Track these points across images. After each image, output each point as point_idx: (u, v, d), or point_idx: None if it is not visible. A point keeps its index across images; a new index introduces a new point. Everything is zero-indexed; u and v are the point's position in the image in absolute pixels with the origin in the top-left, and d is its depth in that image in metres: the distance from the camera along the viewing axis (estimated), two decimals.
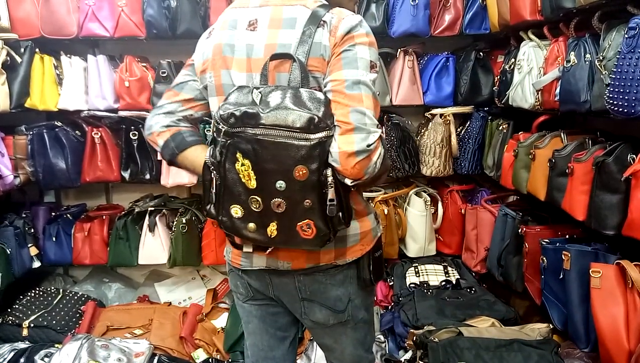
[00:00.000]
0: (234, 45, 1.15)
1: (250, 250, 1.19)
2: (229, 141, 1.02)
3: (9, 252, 2.33)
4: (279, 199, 1.02)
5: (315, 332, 1.35)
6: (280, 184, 1.01)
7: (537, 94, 1.91)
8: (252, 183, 1.03)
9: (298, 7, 1.11)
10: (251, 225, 1.08)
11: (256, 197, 1.04)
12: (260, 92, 1.03)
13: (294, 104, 0.99)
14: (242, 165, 1.02)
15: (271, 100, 1.01)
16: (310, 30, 1.07)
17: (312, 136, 0.98)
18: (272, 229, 1.07)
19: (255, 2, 1.17)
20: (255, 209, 1.05)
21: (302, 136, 0.97)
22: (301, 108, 0.98)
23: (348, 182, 1.02)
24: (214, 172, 1.08)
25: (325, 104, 1.01)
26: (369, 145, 1.00)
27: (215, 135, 1.06)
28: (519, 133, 2.12)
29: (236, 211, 1.08)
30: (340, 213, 1.05)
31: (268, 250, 1.19)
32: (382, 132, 2.45)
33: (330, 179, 1.01)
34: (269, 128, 0.98)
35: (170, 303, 2.65)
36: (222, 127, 1.03)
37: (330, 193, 1.01)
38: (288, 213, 1.04)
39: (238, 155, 1.02)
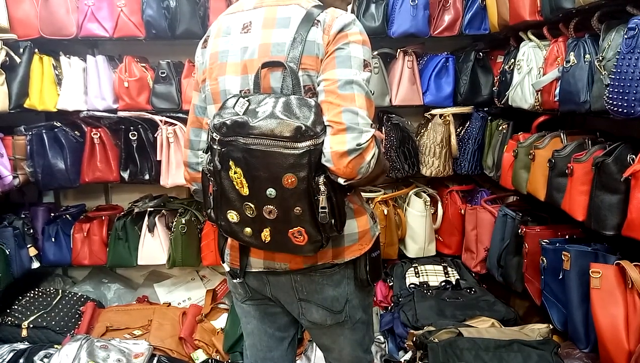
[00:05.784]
0: (229, 50, 1.16)
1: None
2: (222, 149, 1.05)
3: (8, 253, 2.33)
4: (270, 206, 1.04)
5: (313, 332, 1.35)
6: (270, 192, 1.02)
7: (537, 94, 1.91)
8: (245, 191, 1.05)
9: (292, 7, 1.12)
10: (247, 229, 1.10)
11: (249, 203, 1.06)
12: (248, 100, 1.04)
13: (284, 113, 1.00)
14: (235, 172, 1.05)
15: (261, 109, 1.02)
16: (304, 29, 1.08)
17: (299, 145, 0.98)
18: (265, 235, 1.08)
19: (249, 4, 1.18)
20: (249, 215, 1.07)
21: (289, 145, 0.98)
22: (290, 117, 0.99)
23: (341, 181, 1.03)
24: (211, 178, 1.10)
25: (315, 112, 1.01)
26: (359, 144, 1.00)
27: (211, 143, 1.08)
28: (519, 133, 2.12)
29: (232, 216, 1.10)
30: (333, 220, 1.05)
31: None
32: (382, 133, 2.48)
33: (322, 186, 1.01)
34: (258, 137, 1.00)
35: (169, 304, 2.64)
36: (215, 136, 1.05)
37: (322, 201, 1.02)
38: (279, 220, 1.05)
39: (231, 163, 1.04)
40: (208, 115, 1.22)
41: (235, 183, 1.06)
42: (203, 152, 1.24)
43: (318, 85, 1.07)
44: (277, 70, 1.09)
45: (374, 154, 1.04)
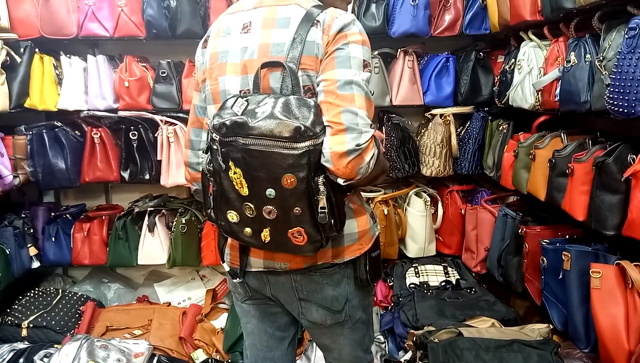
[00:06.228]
0: (228, 50, 1.16)
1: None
2: (222, 150, 1.04)
3: (8, 252, 2.33)
4: (270, 206, 1.04)
5: (313, 332, 1.35)
6: (270, 192, 1.02)
7: (537, 94, 1.91)
8: (245, 191, 1.05)
9: (292, 7, 1.12)
10: (247, 229, 1.10)
11: (249, 203, 1.06)
12: (247, 101, 1.04)
13: (283, 113, 1.00)
14: (235, 173, 1.05)
15: (261, 110, 1.02)
16: (304, 29, 1.08)
17: (299, 145, 0.98)
18: (265, 235, 1.08)
19: (249, 4, 1.18)
20: (249, 215, 1.07)
21: (288, 145, 0.98)
22: (289, 117, 0.99)
23: (340, 181, 1.03)
24: (211, 179, 1.10)
25: (315, 112, 1.01)
26: (358, 145, 1.00)
27: (210, 143, 1.08)
28: (519, 133, 2.12)
29: (232, 216, 1.10)
30: (332, 221, 1.05)
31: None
32: (383, 133, 2.48)
33: (321, 186, 1.01)
34: (258, 138, 1.00)
35: (169, 303, 2.64)
36: (215, 136, 1.05)
37: (322, 201, 1.02)
38: (279, 220, 1.05)
39: (230, 163, 1.04)
40: (208, 115, 1.22)
41: (234, 183, 1.06)
42: (203, 152, 1.24)
43: (318, 86, 1.07)
44: (276, 71, 1.09)
45: (374, 154, 1.04)
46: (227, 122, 1.02)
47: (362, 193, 1.31)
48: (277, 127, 0.98)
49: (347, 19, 1.09)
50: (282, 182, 1.00)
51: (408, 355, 2.01)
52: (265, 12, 1.13)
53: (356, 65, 1.06)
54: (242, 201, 1.07)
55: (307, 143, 0.99)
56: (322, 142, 1.01)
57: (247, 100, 1.04)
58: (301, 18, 1.09)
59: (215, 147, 1.06)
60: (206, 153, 1.13)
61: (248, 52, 1.13)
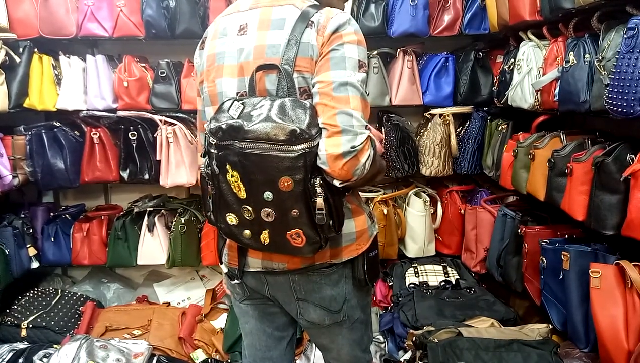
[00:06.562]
0: (225, 52, 1.15)
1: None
2: (219, 153, 1.05)
3: (7, 253, 2.33)
4: (268, 209, 1.04)
5: (311, 332, 1.35)
6: (267, 195, 1.02)
7: (537, 94, 1.91)
8: (243, 194, 1.05)
9: (287, 7, 1.11)
10: (247, 232, 1.10)
11: (247, 206, 1.06)
12: (243, 104, 1.04)
13: (278, 116, 0.99)
14: (232, 176, 1.05)
15: (256, 113, 1.02)
16: (298, 31, 1.07)
17: (295, 148, 0.98)
18: (264, 237, 1.09)
19: (245, 5, 1.17)
20: (248, 218, 1.08)
21: (285, 148, 0.98)
22: (285, 120, 0.99)
23: (336, 183, 1.03)
24: (210, 182, 1.10)
25: (310, 114, 1.01)
26: (353, 147, 1.00)
27: (207, 147, 1.08)
28: (519, 133, 2.12)
29: (231, 219, 1.10)
30: (330, 221, 1.05)
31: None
32: (382, 133, 2.48)
33: (318, 188, 1.01)
34: (254, 141, 1.00)
35: (169, 303, 2.64)
36: (212, 140, 1.05)
37: (319, 203, 1.02)
38: (277, 222, 1.05)
39: (228, 167, 1.04)
40: (206, 117, 1.22)
41: (232, 186, 1.06)
42: (201, 155, 1.24)
43: (313, 87, 1.07)
44: (272, 73, 1.09)
45: (369, 155, 1.04)
46: (224, 126, 1.02)
47: (362, 194, 1.31)
48: (273, 130, 0.98)
49: (342, 19, 1.08)
50: (279, 185, 1.00)
51: (407, 355, 2.01)
52: (261, 13, 1.13)
53: (351, 66, 1.05)
54: (241, 204, 1.07)
55: (303, 145, 0.99)
56: (318, 144, 1.01)
57: (243, 103, 1.04)
58: (296, 19, 1.08)
59: (212, 150, 1.06)
60: (204, 156, 1.13)
61: (244, 54, 1.12)
